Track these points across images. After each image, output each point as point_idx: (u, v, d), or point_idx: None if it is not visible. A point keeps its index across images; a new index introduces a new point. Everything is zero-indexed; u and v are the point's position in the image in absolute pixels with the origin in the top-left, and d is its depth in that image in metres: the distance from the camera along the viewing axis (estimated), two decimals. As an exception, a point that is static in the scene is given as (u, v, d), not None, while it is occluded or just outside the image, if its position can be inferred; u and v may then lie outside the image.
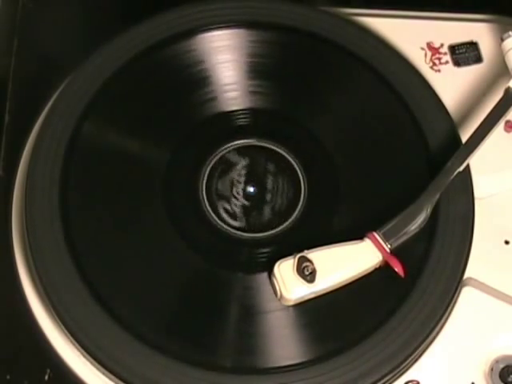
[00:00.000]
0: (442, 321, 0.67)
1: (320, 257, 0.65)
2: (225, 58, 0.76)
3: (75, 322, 0.64)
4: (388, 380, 0.65)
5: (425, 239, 0.68)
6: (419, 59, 0.78)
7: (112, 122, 0.73)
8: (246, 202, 0.71)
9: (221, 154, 0.73)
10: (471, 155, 0.68)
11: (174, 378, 0.63)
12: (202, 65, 0.75)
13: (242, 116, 0.74)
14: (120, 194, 0.70)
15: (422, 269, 0.67)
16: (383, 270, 0.66)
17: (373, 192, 0.71)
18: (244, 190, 0.71)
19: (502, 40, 0.72)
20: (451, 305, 0.68)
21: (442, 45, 0.79)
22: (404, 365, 0.66)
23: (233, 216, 0.70)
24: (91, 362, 0.65)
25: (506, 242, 0.72)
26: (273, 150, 0.73)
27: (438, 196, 0.67)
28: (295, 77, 0.76)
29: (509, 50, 0.71)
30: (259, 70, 0.76)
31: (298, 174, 0.72)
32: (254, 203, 0.71)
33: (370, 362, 0.64)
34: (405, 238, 0.66)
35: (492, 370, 0.67)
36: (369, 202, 0.71)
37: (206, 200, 0.71)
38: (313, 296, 0.65)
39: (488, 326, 0.68)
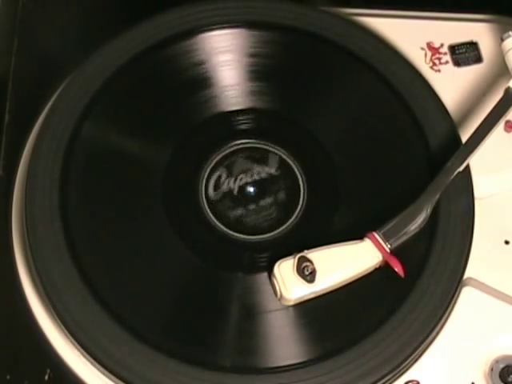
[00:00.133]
0: (442, 321, 0.67)
1: (320, 257, 0.65)
2: (225, 58, 0.76)
3: (75, 322, 0.64)
4: (388, 380, 0.65)
5: (425, 239, 0.68)
6: (419, 59, 0.78)
7: (112, 122, 0.73)
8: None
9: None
10: (471, 155, 0.68)
11: (174, 378, 0.63)
12: (202, 65, 0.75)
13: (242, 116, 0.74)
14: (120, 194, 0.70)
15: (421, 269, 0.67)
16: (383, 269, 0.66)
17: (373, 192, 0.71)
18: (244, 190, 0.71)
19: (502, 40, 0.72)
20: (451, 305, 0.68)
21: (441, 45, 0.79)
22: (404, 365, 0.66)
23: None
24: (91, 362, 0.65)
25: (506, 242, 0.72)
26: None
27: (438, 196, 0.67)
28: (295, 77, 0.76)
29: (509, 50, 0.71)
30: (259, 70, 0.76)
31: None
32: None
33: (370, 361, 0.64)
34: (405, 238, 0.66)
35: (492, 370, 0.67)
36: (369, 201, 0.71)
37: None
38: (313, 296, 0.65)
39: (488, 326, 0.68)
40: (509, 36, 0.71)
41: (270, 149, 0.73)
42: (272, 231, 0.70)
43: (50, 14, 0.82)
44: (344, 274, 0.65)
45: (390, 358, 0.64)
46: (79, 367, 0.66)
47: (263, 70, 0.75)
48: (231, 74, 0.75)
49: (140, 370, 0.63)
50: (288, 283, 0.64)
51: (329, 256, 0.65)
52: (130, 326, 0.64)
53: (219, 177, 0.72)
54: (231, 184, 0.71)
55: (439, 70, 0.78)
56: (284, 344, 0.65)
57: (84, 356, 0.65)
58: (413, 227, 0.66)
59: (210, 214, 0.70)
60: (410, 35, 0.79)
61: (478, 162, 0.70)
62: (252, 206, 0.71)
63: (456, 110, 0.75)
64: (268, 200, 0.71)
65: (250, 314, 0.66)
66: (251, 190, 0.71)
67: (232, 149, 0.73)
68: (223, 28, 0.76)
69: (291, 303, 0.65)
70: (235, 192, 0.71)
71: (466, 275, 0.68)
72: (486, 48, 0.79)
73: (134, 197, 0.70)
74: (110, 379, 0.65)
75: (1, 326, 0.68)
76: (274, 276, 0.65)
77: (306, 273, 0.64)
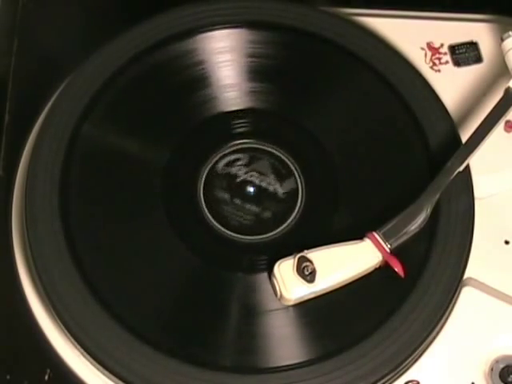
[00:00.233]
0: (442, 321, 0.67)
1: (320, 257, 0.65)
2: (225, 58, 0.76)
3: (75, 321, 0.64)
4: (388, 380, 0.65)
5: (425, 239, 0.68)
6: (419, 59, 0.78)
7: (112, 122, 0.73)
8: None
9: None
10: (471, 155, 0.68)
11: (173, 378, 0.63)
12: (201, 65, 0.75)
13: (241, 116, 0.74)
14: (120, 194, 0.70)
15: (422, 269, 0.67)
16: (383, 270, 0.66)
17: (373, 192, 0.71)
18: (243, 190, 0.71)
19: (502, 40, 0.72)
20: (451, 305, 0.68)
21: (441, 45, 0.79)
22: (404, 365, 0.66)
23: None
24: (91, 362, 0.65)
25: (506, 242, 0.72)
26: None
27: (438, 196, 0.67)
28: (295, 77, 0.76)
29: (509, 50, 0.71)
30: (259, 70, 0.76)
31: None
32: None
33: (371, 362, 0.64)
34: (405, 237, 0.66)
35: (492, 370, 0.67)
36: (369, 201, 0.71)
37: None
38: (313, 296, 0.65)
39: (488, 326, 0.68)
40: (509, 36, 0.71)
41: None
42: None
43: (50, 14, 0.82)
44: (344, 274, 0.65)
45: (390, 357, 0.64)
46: (79, 367, 0.66)
47: (263, 71, 0.75)
48: (231, 74, 0.75)
49: (140, 370, 0.63)
50: (288, 283, 0.64)
51: (329, 256, 0.65)
52: (129, 326, 0.64)
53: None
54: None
55: (439, 70, 0.78)
56: (284, 344, 0.65)
57: (84, 356, 0.65)
58: (413, 227, 0.66)
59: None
60: (410, 35, 0.79)
61: (478, 162, 0.70)
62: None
63: (456, 110, 0.75)
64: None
65: (250, 314, 0.66)
66: (251, 190, 0.71)
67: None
68: (223, 28, 0.76)
69: (291, 303, 0.65)
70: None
71: (466, 275, 0.68)
72: (486, 48, 0.79)
73: (133, 197, 0.70)
74: (110, 379, 0.65)
75: (1, 326, 0.68)
76: (274, 276, 0.65)
77: (306, 273, 0.64)
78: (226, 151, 0.73)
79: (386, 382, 0.65)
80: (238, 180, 0.71)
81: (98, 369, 0.65)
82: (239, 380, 0.64)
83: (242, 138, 0.73)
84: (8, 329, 0.68)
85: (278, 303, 0.66)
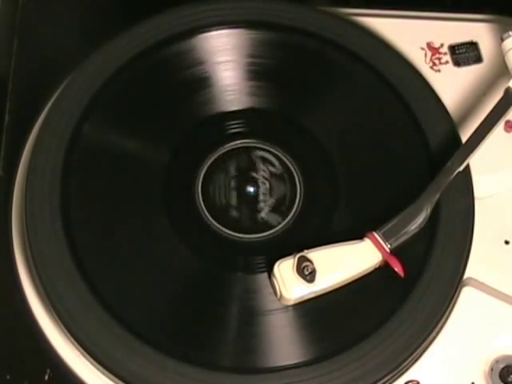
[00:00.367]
0: (442, 321, 0.67)
1: (320, 257, 0.65)
2: (224, 59, 0.76)
3: (75, 322, 0.64)
4: (388, 380, 0.65)
5: (425, 239, 0.68)
6: (419, 59, 0.78)
7: (112, 122, 0.73)
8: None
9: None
10: (471, 155, 0.68)
11: (173, 378, 0.63)
12: (201, 65, 0.75)
13: (241, 116, 0.74)
14: (120, 194, 0.70)
15: (421, 269, 0.67)
16: (383, 269, 0.66)
17: (373, 192, 0.71)
18: (243, 190, 0.71)
19: (502, 40, 0.72)
20: (451, 305, 0.68)
21: (441, 45, 0.79)
22: (404, 365, 0.66)
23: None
24: (91, 362, 0.65)
25: (506, 242, 0.72)
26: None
27: (438, 196, 0.67)
28: (295, 77, 0.76)
29: (509, 50, 0.71)
30: (259, 70, 0.76)
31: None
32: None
33: (371, 361, 0.64)
34: (405, 237, 0.66)
35: (492, 370, 0.67)
36: (369, 201, 0.71)
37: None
38: (313, 296, 0.65)
39: (488, 326, 0.68)
40: (509, 36, 0.71)
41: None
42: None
43: (50, 14, 0.82)
44: (344, 273, 0.65)
45: (390, 357, 0.64)
46: (79, 367, 0.66)
47: (262, 71, 0.75)
48: (231, 74, 0.75)
49: (140, 370, 0.63)
50: (288, 283, 0.64)
51: (329, 256, 0.65)
52: (129, 326, 0.64)
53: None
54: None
55: (439, 70, 0.78)
56: (284, 344, 0.65)
57: (84, 356, 0.65)
58: (413, 227, 0.66)
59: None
60: (410, 35, 0.79)
61: (478, 162, 0.70)
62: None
63: (456, 110, 0.75)
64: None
65: (250, 314, 0.66)
66: (251, 189, 0.71)
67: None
68: (222, 28, 0.76)
69: (291, 303, 0.65)
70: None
71: (466, 275, 0.68)
72: (486, 48, 0.79)
73: (134, 197, 0.70)
74: (110, 379, 0.65)
75: (1, 326, 0.68)
76: (274, 276, 0.65)
77: (306, 273, 0.64)
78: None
79: (386, 382, 0.65)
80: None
81: (97, 369, 0.65)
82: (239, 380, 0.64)
83: (242, 138, 0.73)
84: (8, 329, 0.68)
85: (277, 303, 0.66)
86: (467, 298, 0.69)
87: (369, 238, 0.66)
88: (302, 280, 0.64)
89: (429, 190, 0.67)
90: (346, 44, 0.76)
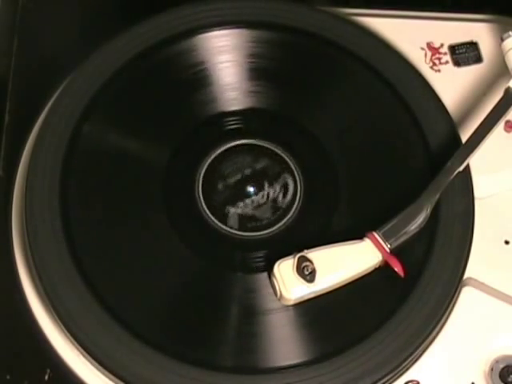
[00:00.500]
0: (442, 321, 0.67)
1: (320, 256, 0.65)
2: (225, 58, 0.76)
3: (75, 322, 0.64)
4: (388, 380, 0.65)
5: (425, 239, 0.68)
6: (419, 59, 0.78)
7: (112, 122, 0.73)
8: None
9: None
10: (471, 155, 0.68)
11: (173, 378, 0.63)
12: (201, 65, 0.75)
13: (241, 116, 0.74)
14: (120, 194, 0.70)
15: (421, 269, 0.67)
16: (383, 269, 0.66)
17: (373, 192, 0.71)
18: (243, 190, 0.71)
19: (502, 40, 0.72)
20: (451, 305, 0.68)
21: (441, 45, 0.79)
22: (404, 365, 0.65)
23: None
24: (91, 362, 0.65)
25: (506, 242, 0.72)
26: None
27: (438, 196, 0.67)
28: (295, 77, 0.76)
29: (509, 50, 0.71)
30: (259, 70, 0.76)
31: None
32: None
33: (371, 361, 0.64)
34: (405, 237, 0.66)
35: (492, 370, 0.67)
36: (368, 201, 0.71)
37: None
38: (313, 296, 0.65)
39: (488, 326, 0.68)
40: (509, 36, 0.71)
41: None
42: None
43: (50, 14, 0.82)
44: (344, 273, 0.65)
45: (390, 357, 0.64)
46: (79, 367, 0.66)
47: (262, 70, 0.75)
48: (231, 74, 0.75)
49: (139, 369, 0.63)
50: (288, 283, 0.64)
51: (329, 256, 0.65)
52: (129, 326, 0.64)
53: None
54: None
55: (439, 70, 0.78)
56: (284, 344, 0.65)
57: (84, 356, 0.65)
58: (413, 227, 0.66)
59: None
60: (410, 35, 0.79)
61: (478, 162, 0.70)
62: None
63: (456, 110, 0.75)
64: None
65: (250, 314, 0.66)
66: (251, 189, 0.71)
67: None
68: (222, 28, 0.76)
69: (291, 303, 0.65)
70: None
71: (466, 275, 0.68)
72: (486, 48, 0.79)
73: (134, 197, 0.70)
74: (110, 379, 0.65)
75: (1, 326, 0.68)
76: (274, 276, 0.65)
77: (306, 272, 0.64)
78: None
79: (385, 381, 0.65)
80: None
81: (97, 369, 0.65)
82: (239, 380, 0.64)
83: (242, 138, 0.73)
84: (8, 329, 0.68)
85: (277, 303, 0.66)
86: (467, 297, 0.69)
87: (369, 237, 0.66)
88: (301, 280, 0.64)
89: (429, 189, 0.67)
90: (346, 44, 0.76)
